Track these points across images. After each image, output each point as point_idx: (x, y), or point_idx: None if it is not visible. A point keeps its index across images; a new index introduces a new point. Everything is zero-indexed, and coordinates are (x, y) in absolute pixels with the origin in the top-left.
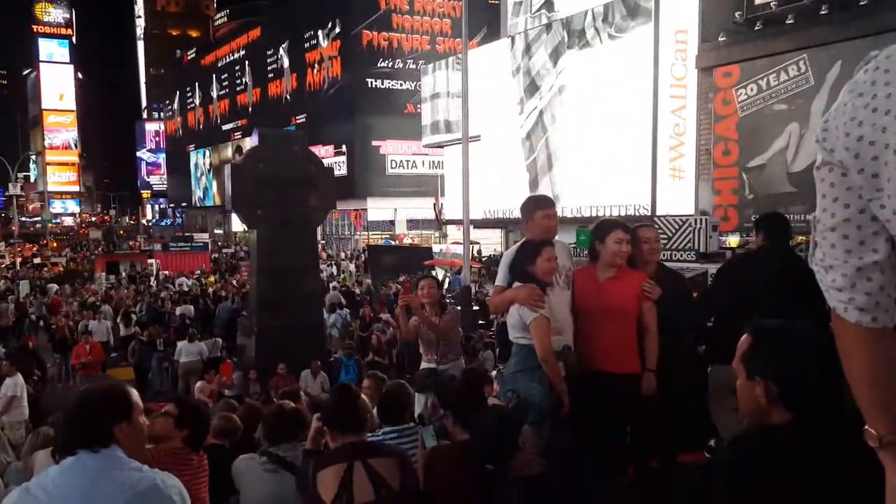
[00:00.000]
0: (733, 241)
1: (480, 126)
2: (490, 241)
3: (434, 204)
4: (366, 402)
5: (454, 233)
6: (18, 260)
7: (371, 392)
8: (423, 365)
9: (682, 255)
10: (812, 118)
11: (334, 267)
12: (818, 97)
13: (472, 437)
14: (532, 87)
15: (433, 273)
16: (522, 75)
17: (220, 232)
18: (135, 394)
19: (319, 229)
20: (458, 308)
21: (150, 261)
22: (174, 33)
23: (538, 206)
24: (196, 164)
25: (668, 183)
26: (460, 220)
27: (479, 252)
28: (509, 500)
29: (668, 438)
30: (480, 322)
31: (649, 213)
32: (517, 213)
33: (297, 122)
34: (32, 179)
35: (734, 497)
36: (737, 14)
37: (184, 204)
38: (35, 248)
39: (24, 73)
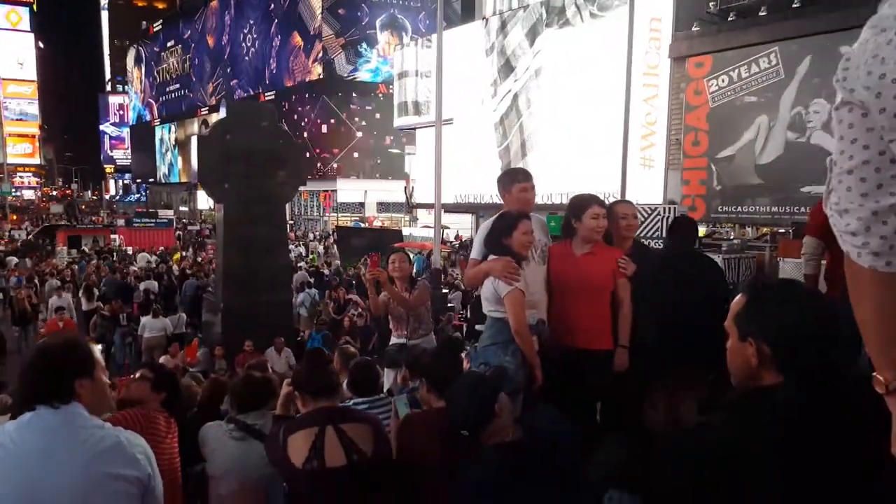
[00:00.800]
0: (700, 231)
1: (453, 109)
2: (460, 226)
3: (405, 187)
4: (337, 360)
5: (424, 216)
6: None
7: (339, 367)
8: (393, 340)
9: (649, 243)
10: (780, 111)
11: (303, 247)
12: (787, 90)
13: (448, 403)
14: (507, 69)
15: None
16: (497, 55)
17: (186, 209)
18: (96, 350)
19: (288, 209)
20: (428, 283)
21: (113, 236)
22: (140, 3)
23: (516, 179)
24: (161, 140)
25: (638, 172)
26: (431, 203)
27: (457, 237)
28: (483, 467)
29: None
30: (449, 304)
31: None
32: (489, 199)
33: (266, 98)
34: None
35: (733, 462)
36: (710, 4)
37: (150, 180)
38: None
39: None
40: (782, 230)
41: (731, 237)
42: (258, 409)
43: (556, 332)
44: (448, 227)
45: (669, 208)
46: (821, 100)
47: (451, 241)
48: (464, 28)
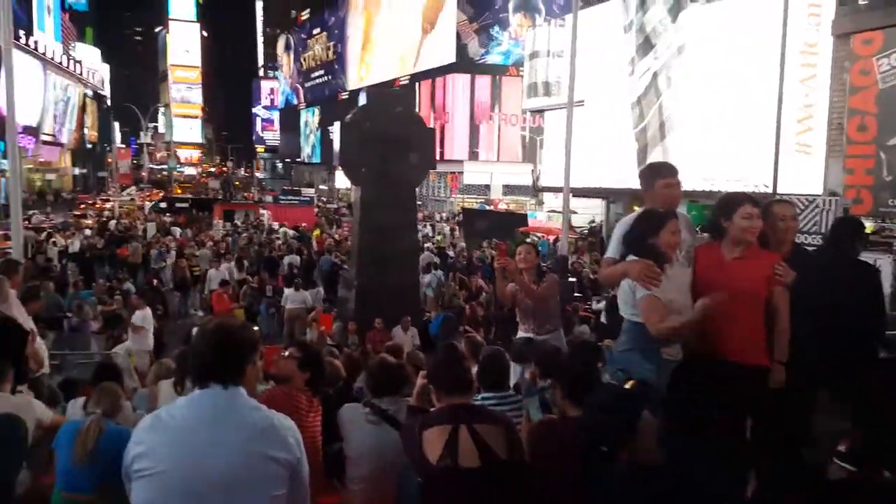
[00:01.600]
0: (867, 226)
1: (584, 90)
2: (589, 211)
3: (532, 170)
4: (466, 348)
5: (551, 200)
6: (147, 203)
7: (467, 356)
8: (520, 334)
9: (806, 239)
10: None
11: (429, 228)
12: None
13: (586, 415)
14: (646, 46)
15: (529, 239)
16: (635, 32)
17: (325, 188)
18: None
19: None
20: (557, 276)
21: (261, 211)
22: None
23: (660, 173)
24: (306, 122)
25: (793, 159)
26: (558, 187)
27: (591, 225)
28: (619, 487)
29: (793, 440)
30: (577, 294)
31: (770, 191)
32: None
33: (401, 83)
34: (161, 130)
35: None
36: None
37: (295, 159)
38: (162, 194)
39: (156, 30)
40: None
41: None
42: (392, 395)
43: (704, 343)
44: (576, 212)
45: (830, 200)
46: None
47: (581, 228)
48: (600, 7)
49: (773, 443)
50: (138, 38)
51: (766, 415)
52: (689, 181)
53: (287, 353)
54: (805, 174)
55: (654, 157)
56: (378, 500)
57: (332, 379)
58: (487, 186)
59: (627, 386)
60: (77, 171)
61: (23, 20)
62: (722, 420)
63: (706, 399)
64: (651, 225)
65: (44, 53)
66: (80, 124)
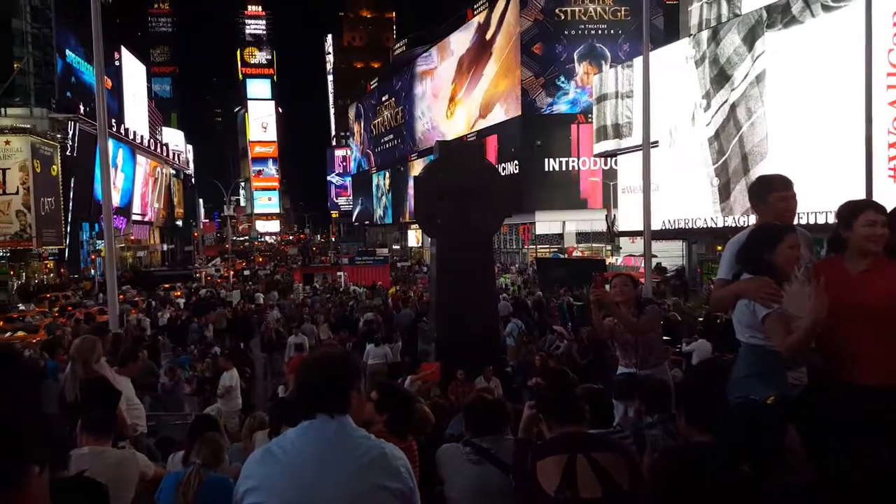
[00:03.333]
0: None
1: (656, 130)
2: (668, 254)
3: (606, 216)
4: (581, 393)
5: (628, 246)
6: (231, 273)
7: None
8: (621, 370)
9: None
10: None
11: (504, 279)
12: None
13: (725, 433)
14: (721, 78)
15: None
16: (708, 65)
17: (398, 247)
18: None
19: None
20: (658, 307)
21: (338, 273)
22: (358, 66)
23: (774, 187)
24: (377, 185)
25: (885, 185)
26: (634, 231)
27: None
28: None
29: None
30: (665, 338)
31: None
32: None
33: (469, 137)
34: (242, 203)
35: None
36: None
37: (367, 222)
38: (244, 263)
39: (235, 110)
40: None
41: None
42: (493, 434)
43: (830, 363)
44: (655, 256)
45: None
46: None
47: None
48: (668, 47)
49: None
50: (219, 118)
51: None
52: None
53: (370, 396)
54: None
55: (738, 191)
56: None
57: (421, 424)
58: (560, 235)
59: (769, 401)
60: (165, 246)
61: (114, 109)
62: (854, 447)
63: (836, 426)
64: (768, 240)
65: (133, 138)
66: (168, 202)
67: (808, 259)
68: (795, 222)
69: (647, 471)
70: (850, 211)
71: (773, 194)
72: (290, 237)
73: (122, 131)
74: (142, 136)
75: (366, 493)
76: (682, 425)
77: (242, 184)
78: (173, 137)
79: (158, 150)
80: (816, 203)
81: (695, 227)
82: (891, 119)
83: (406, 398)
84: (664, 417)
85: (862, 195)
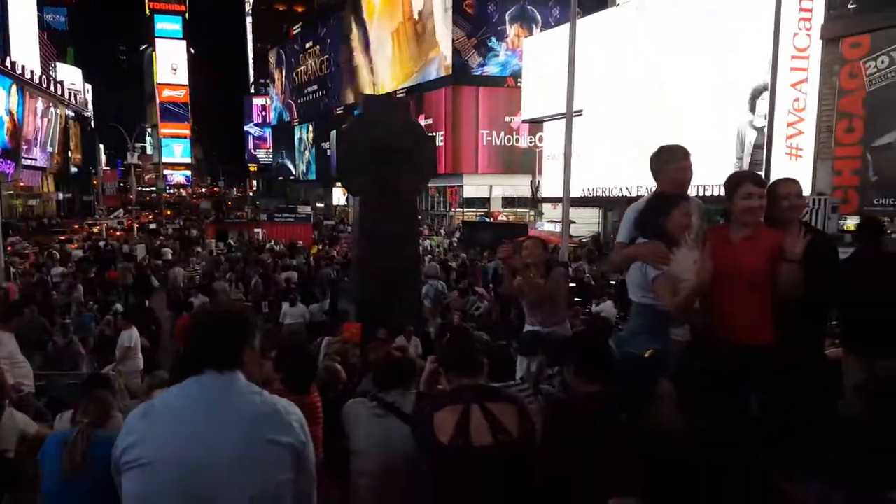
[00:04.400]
0: (851, 224)
1: (582, 99)
2: (586, 221)
3: (531, 181)
4: (481, 347)
5: (550, 211)
6: (136, 226)
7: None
8: (527, 327)
9: None
10: None
11: (429, 241)
12: None
13: (609, 384)
14: (643, 53)
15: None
16: (633, 40)
17: (322, 205)
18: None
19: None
20: (564, 269)
21: (256, 230)
22: (281, 8)
23: (671, 157)
24: (300, 139)
25: (783, 162)
26: (557, 197)
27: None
28: (644, 452)
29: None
30: (577, 299)
31: None
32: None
33: (398, 93)
34: (149, 151)
35: None
36: None
37: (289, 177)
38: (151, 216)
39: (142, 48)
40: None
41: (889, 232)
42: (399, 388)
43: (711, 322)
44: (574, 222)
45: (818, 200)
46: None
47: (581, 237)
48: (597, 16)
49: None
50: (123, 57)
51: (773, 394)
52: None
53: (270, 355)
54: (795, 176)
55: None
56: (386, 494)
57: (331, 382)
58: (487, 199)
59: (647, 355)
60: (61, 195)
61: None
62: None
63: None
64: (662, 207)
65: (21, 74)
66: (64, 146)
67: (698, 226)
68: (701, 193)
69: (541, 418)
70: (731, 183)
71: (670, 164)
72: (203, 190)
73: (9, 64)
74: (31, 72)
75: (255, 447)
76: (570, 377)
77: (149, 130)
78: (70, 75)
79: (52, 87)
80: (720, 176)
81: (612, 195)
82: (791, 100)
83: (304, 356)
84: (562, 371)
85: (762, 170)
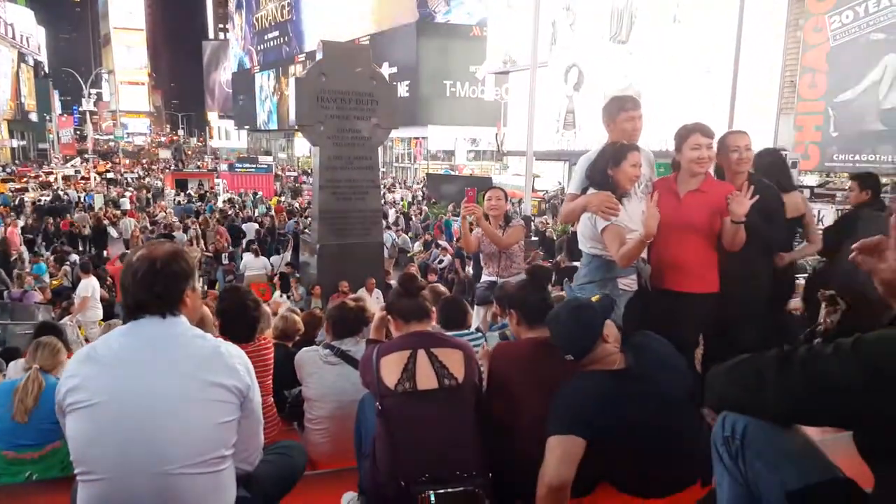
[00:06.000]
0: (811, 179)
1: (548, 51)
2: (552, 174)
3: (496, 134)
4: (428, 295)
5: (515, 164)
6: (94, 175)
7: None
8: (484, 278)
9: None
10: None
11: (395, 193)
12: None
13: (551, 326)
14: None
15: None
16: None
17: (284, 156)
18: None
19: (381, 156)
20: (523, 222)
21: (216, 180)
22: None
23: (623, 107)
24: (261, 87)
25: (747, 116)
26: (521, 151)
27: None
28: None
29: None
30: (540, 252)
31: None
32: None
33: (361, 41)
34: (106, 98)
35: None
36: None
37: (249, 126)
38: (108, 165)
39: None
40: None
41: (848, 187)
42: (352, 336)
43: (657, 273)
44: (539, 176)
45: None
46: None
47: (545, 191)
48: None
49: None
50: None
51: (718, 340)
52: (648, 142)
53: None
54: (758, 130)
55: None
56: (339, 439)
57: (289, 332)
58: (452, 152)
59: (594, 300)
60: (15, 142)
61: None
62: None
63: (659, 327)
64: (612, 157)
65: None
66: (16, 92)
67: (647, 177)
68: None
69: (485, 364)
70: (680, 134)
71: (621, 114)
72: (162, 138)
73: None
74: None
75: (198, 388)
76: (513, 324)
77: (106, 75)
78: (20, 17)
79: (2, 29)
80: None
81: (575, 150)
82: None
83: (243, 303)
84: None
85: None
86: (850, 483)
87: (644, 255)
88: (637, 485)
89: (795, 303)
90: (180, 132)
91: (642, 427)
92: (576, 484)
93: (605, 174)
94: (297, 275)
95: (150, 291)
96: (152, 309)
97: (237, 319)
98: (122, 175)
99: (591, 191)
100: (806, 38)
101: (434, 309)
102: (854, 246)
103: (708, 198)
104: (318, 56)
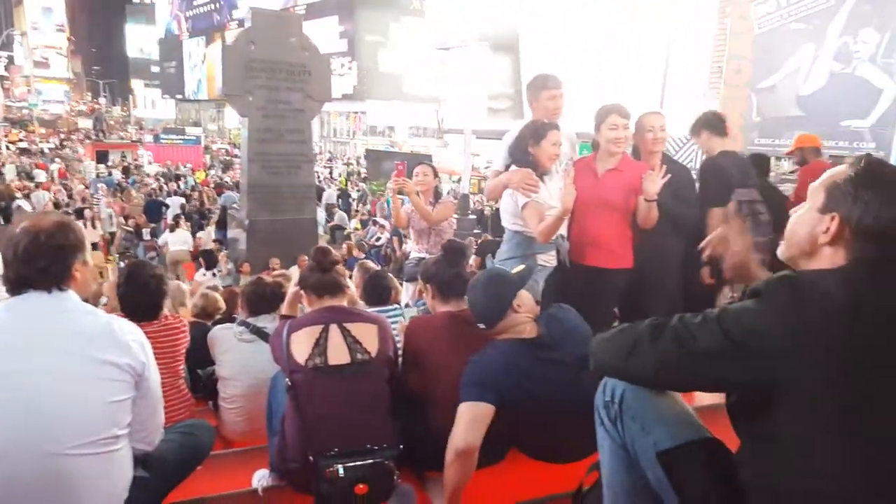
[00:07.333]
0: None
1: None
2: (490, 153)
3: (436, 111)
4: (343, 270)
5: (456, 143)
6: (5, 144)
7: (358, 281)
8: (414, 254)
9: None
10: (827, 39)
11: (331, 168)
12: (836, 18)
13: (469, 297)
14: None
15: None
16: None
17: (215, 127)
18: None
19: (317, 130)
20: (454, 200)
21: (140, 152)
22: None
23: (545, 85)
24: (189, 55)
25: (677, 101)
26: (460, 129)
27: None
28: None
29: None
30: (476, 231)
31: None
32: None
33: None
34: (18, 62)
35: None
36: None
37: (178, 96)
38: (21, 134)
39: None
40: None
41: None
42: (269, 313)
43: (575, 249)
44: (478, 155)
45: None
46: (870, 29)
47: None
48: None
49: None
50: None
51: (632, 313)
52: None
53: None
54: (687, 115)
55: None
56: (254, 417)
57: (209, 310)
58: (392, 128)
59: (514, 271)
60: None
61: None
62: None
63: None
64: (533, 135)
65: None
66: None
67: (569, 156)
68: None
69: (401, 337)
70: (598, 115)
71: (544, 92)
72: (83, 106)
73: None
74: None
75: (87, 367)
76: (429, 299)
77: (18, 37)
78: None
79: None
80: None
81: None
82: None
83: (144, 280)
84: None
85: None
86: (715, 441)
87: (564, 231)
88: (546, 451)
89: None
90: (102, 100)
91: (551, 394)
92: (487, 451)
93: (527, 152)
94: (226, 250)
95: (33, 266)
96: (37, 284)
97: (138, 297)
98: (36, 145)
99: (513, 168)
100: (733, 25)
101: (349, 284)
102: (702, 245)
103: (625, 176)
104: (248, 24)
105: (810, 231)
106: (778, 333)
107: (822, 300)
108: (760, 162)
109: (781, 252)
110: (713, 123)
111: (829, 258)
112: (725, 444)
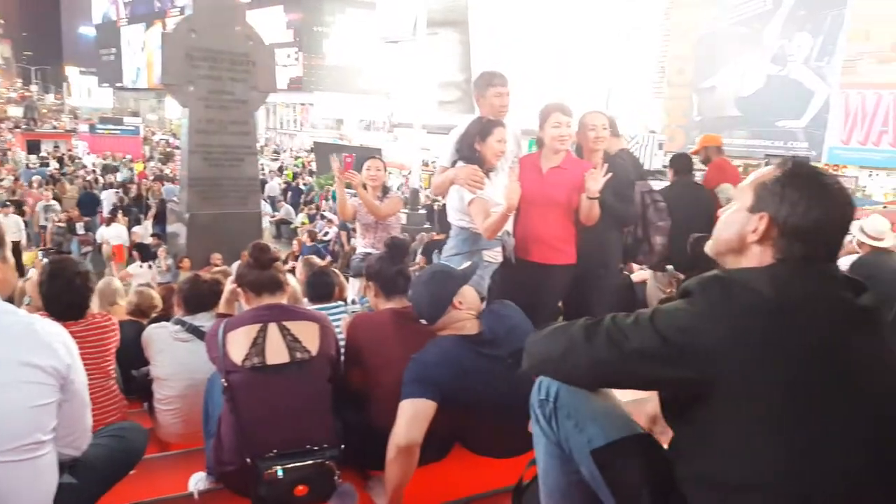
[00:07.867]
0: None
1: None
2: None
3: (386, 105)
4: (282, 266)
5: (405, 136)
6: None
7: (301, 277)
8: (360, 249)
9: None
10: (764, 42)
11: (278, 162)
12: (773, 21)
13: (412, 293)
14: None
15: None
16: None
17: (155, 118)
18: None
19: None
20: (403, 195)
21: (74, 142)
22: None
23: (491, 82)
24: (128, 42)
25: (622, 100)
26: (409, 123)
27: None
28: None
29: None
30: (426, 225)
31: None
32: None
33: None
34: None
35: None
36: None
37: (116, 84)
38: None
39: None
40: (754, 163)
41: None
42: (206, 311)
43: (520, 245)
44: (428, 149)
45: (647, 137)
46: (804, 33)
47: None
48: None
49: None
50: None
51: (575, 308)
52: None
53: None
54: (632, 113)
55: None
56: (191, 419)
57: (144, 308)
58: (340, 121)
59: (462, 268)
60: None
61: None
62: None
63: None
64: (479, 132)
65: None
66: None
67: (514, 153)
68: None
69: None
70: (542, 113)
71: (490, 89)
72: (12, 94)
73: None
74: None
75: (9, 370)
76: (372, 296)
77: None
78: None
79: None
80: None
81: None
82: (633, 41)
83: (68, 277)
84: None
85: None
86: (647, 437)
87: (510, 227)
88: (488, 446)
89: (642, 275)
90: (33, 88)
91: (492, 390)
92: (430, 447)
93: (473, 148)
94: (165, 245)
95: None
96: None
97: (62, 295)
98: None
99: (459, 164)
100: (676, 27)
101: (291, 280)
102: None
103: (568, 174)
104: (189, 11)
105: (739, 230)
106: (710, 332)
107: (753, 298)
108: (683, 161)
109: (710, 248)
110: (611, 125)
111: (758, 257)
112: (657, 439)
